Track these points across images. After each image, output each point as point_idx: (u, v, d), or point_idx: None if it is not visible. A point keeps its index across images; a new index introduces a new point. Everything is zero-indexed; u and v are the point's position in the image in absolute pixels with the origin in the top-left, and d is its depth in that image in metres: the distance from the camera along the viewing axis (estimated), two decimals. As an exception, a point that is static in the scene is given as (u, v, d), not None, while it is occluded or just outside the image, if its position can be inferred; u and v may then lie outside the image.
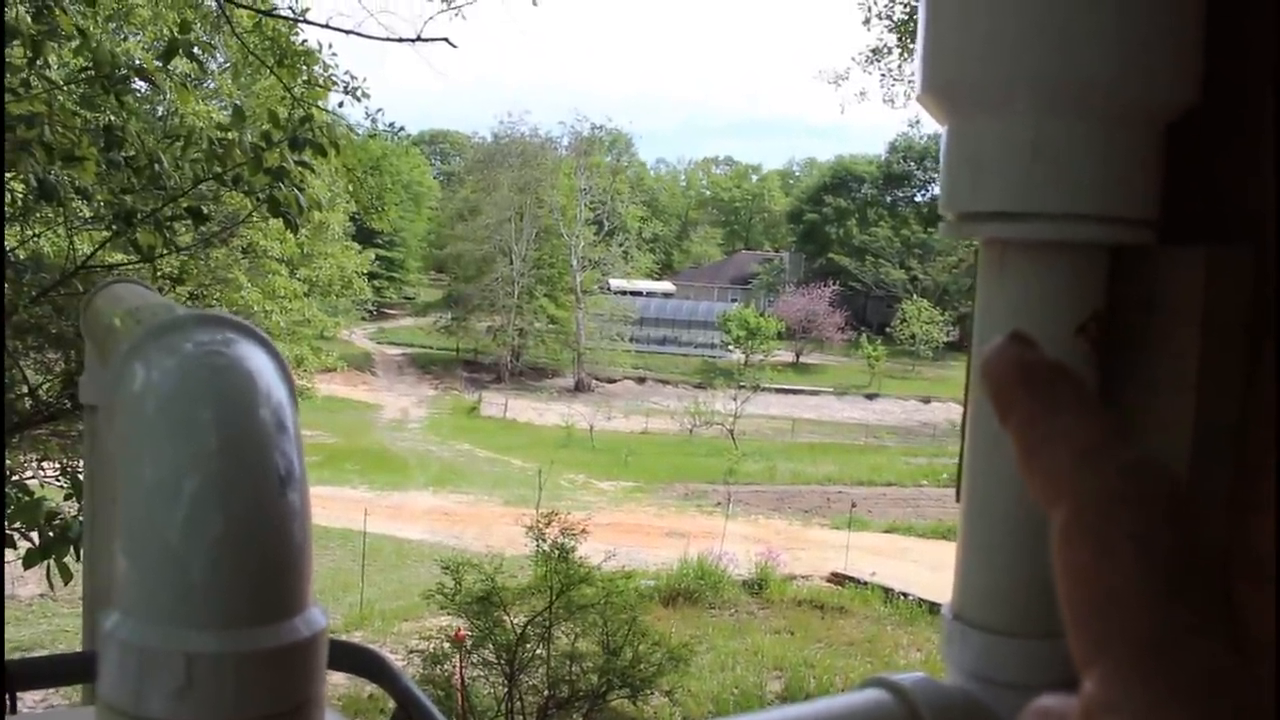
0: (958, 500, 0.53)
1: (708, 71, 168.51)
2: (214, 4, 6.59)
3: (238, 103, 5.29)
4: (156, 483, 0.43)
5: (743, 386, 33.23)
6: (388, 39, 5.79)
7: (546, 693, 8.48)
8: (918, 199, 54.47)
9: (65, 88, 4.20)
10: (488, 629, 8.42)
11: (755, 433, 30.56)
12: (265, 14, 6.56)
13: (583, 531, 9.16)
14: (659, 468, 24.26)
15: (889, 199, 55.25)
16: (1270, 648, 0.25)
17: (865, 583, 14.01)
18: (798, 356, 44.50)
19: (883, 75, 15.71)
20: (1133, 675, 0.24)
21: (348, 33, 5.79)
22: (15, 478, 4.58)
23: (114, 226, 4.08)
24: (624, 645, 8.50)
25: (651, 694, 8.77)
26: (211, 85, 15.35)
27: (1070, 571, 0.26)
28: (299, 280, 21.61)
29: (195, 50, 4.21)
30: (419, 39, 5.66)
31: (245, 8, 6.37)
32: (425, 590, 9.55)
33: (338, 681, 7.80)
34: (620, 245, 45.26)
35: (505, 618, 8.46)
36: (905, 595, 13.22)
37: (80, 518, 3.22)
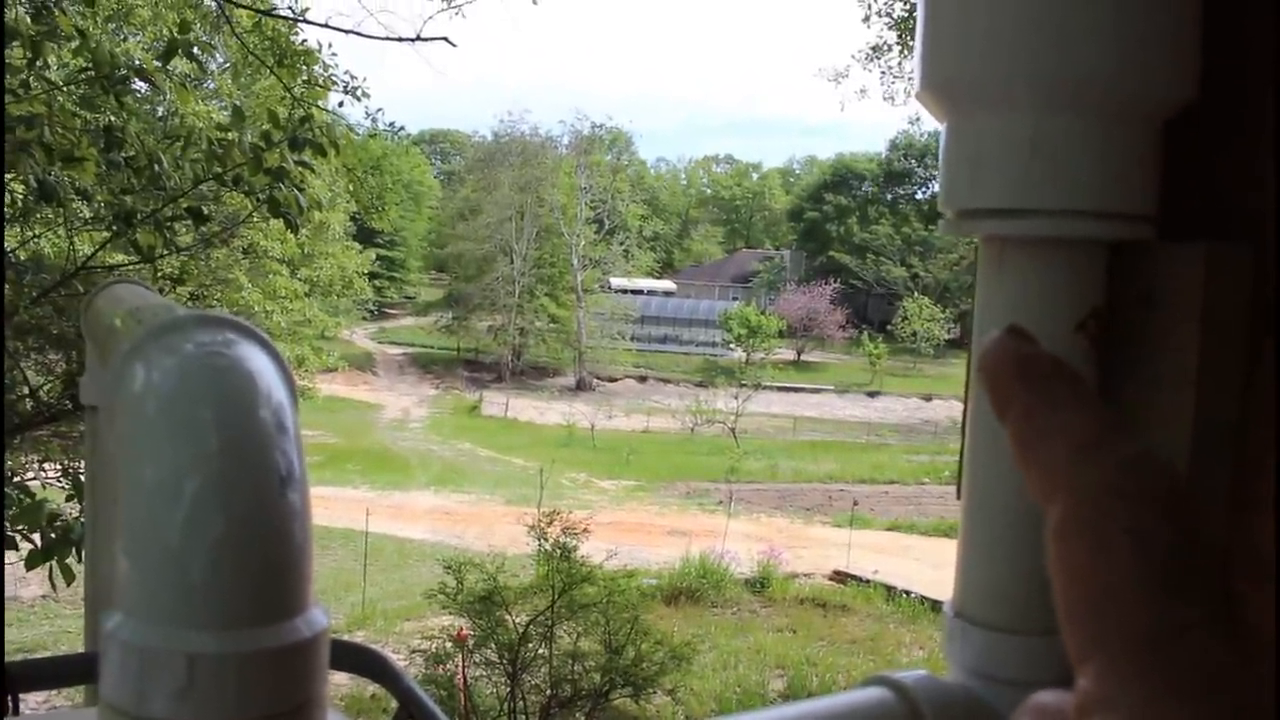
0: (958, 498, 0.53)
1: (708, 70, 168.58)
2: (213, 4, 6.59)
3: (237, 103, 5.29)
4: (157, 483, 0.43)
5: (744, 385, 33.26)
6: (387, 38, 5.80)
7: (549, 692, 8.48)
8: (918, 196, 54.48)
9: (65, 88, 4.20)
10: (490, 628, 8.42)
11: (757, 431, 30.57)
12: (265, 14, 6.57)
13: (584, 530, 9.17)
14: (661, 466, 24.26)
15: (889, 196, 55.26)
16: (1271, 646, 0.25)
17: (867, 581, 14.01)
18: (799, 354, 44.51)
19: (883, 73, 15.73)
20: (1128, 671, 0.24)
21: (347, 32, 5.80)
22: (16, 479, 4.58)
23: (114, 227, 4.08)
24: (626, 644, 8.51)
25: (654, 693, 8.77)
26: (211, 85, 15.36)
27: (1066, 567, 0.26)
28: (300, 280, 21.63)
29: (195, 50, 4.21)
30: (419, 38, 5.67)
31: (245, 7, 6.37)
32: (427, 590, 9.55)
33: (340, 681, 7.81)
34: (621, 244, 45.27)
35: (507, 617, 8.46)
36: (908, 593, 13.22)
37: (82, 519, 3.22)
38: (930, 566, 14.21)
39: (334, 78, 7.18)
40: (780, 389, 38.15)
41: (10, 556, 3.30)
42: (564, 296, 41.99)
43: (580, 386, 39.40)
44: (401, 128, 53.66)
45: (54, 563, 3.25)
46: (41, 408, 4.55)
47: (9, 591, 10.14)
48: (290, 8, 6.56)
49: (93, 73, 3.99)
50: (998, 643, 0.50)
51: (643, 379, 41.22)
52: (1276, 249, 0.48)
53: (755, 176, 72.59)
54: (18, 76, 3.82)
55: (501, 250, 41.09)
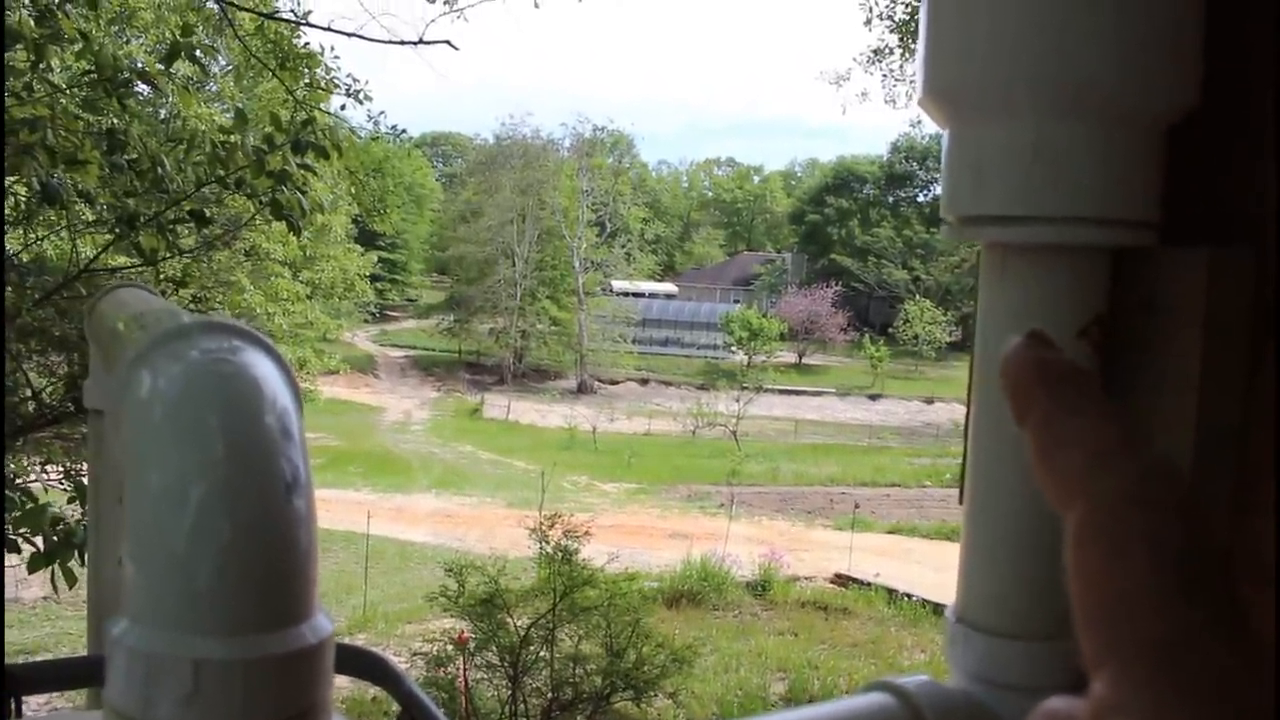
0: (960, 503, 0.53)
1: (709, 73, 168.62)
2: (216, 7, 6.60)
3: (240, 106, 5.30)
4: (163, 489, 0.43)
5: (745, 388, 33.26)
6: (390, 42, 5.80)
7: (550, 695, 8.48)
8: (920, 199, 54.47)
9: (68, 91, 4.21)
10: (491, 631, 8.41)
11: (758, 434, 30.56)
12: (267, 17, 6.58)
13: (586, 533, 9.16)
14: (662, 469, 24.26)
15: (891, 199, 55.25)
16: (1272, 650, 0.25)
17: (869, 584, 13.99)
18: (800, 357, 44.49)
19: (884, 76, 15.71)
20: (1142, 677, 0.24)
21: (350, 35, 5.80)
22: (19, 482, 4.58)
23: (117, 230, 4.09)
24: (627, 647, 8.50)
25: (655, 696, 8.76)
26: (214, 88, 15.39)
27: (1082, 573, 0.26)
28: (302, 283, 21.65)
29: (197, 53, 4.22)
30: (421, 41, 5.67)
31: (247, 10, 6.38)
32: (428, 593, 9.55)
33: (341, 684, 7.79)
34: (622, 247, 45.28)
35: (509, 620, 8.46)
36: (909, 596, 13.21)
37: (84, 522, 3.22)
38: (932, 569, 14.19)
39: (336, 80, 7.18)
40: (782, 392, 38.15)
41: (12, 559, 3.31)
42: (565, 299, 41.99)
43: (582, 389, 39.40)
44: (403, 130, 53.67)
45: (56, 566, 3.25)
46: (44, 410, 4.55)
47: (10, 594, 10.15)
48: (293, 11, 6.58)
49: (95, 75, 4.00)
50: (1000, 648, 0.50)
51: (644, 382, 41.21)
52: (1278, 252, 0.48)
53: (757, 179, 72.60)
54: (21, 79, 3.83)
55: (503, 253, 41.10)
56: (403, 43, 5.73)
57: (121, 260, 5.02)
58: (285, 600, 0.44)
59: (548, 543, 9.01)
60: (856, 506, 18.13)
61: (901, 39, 14.66)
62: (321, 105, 6.74)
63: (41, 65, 3.79)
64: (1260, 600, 0.46)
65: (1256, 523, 0.48)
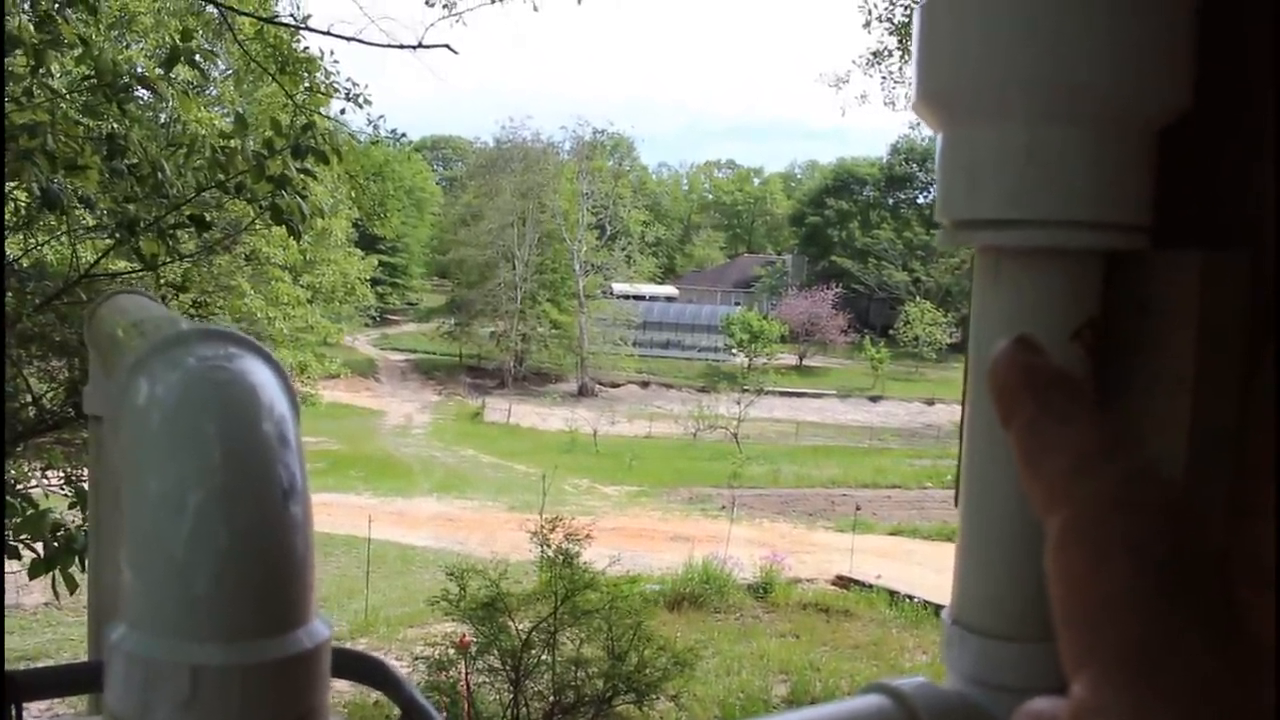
0: (956, 505, 0.53)
1: (709, 75, 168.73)
2: (216, 11, 6.61)
3: (240, 110, 5.30)
4: (161, 496, 0.43)
5: (746, 390, 33.26)
6: (389, 46, 5.81)
7: (552, 699, 8.47)
8: (920, 201, 54.48)
9: (68, 96, 4.21)
10: (493, 635, 8.41)
11: (759, 436, 30.56)
12: (267, 21, 6.59)
13: (587, 536, 9.16)
14: (663, 472, 24.26)
15: (891, 201, 55.27)
16: (1271, 653, 0.25)
17: (870, 585, 13.98)
18: (801, 359, 44.50)
19: (883, 78, 15.71)
20: (1121, 679, 0.24)
21: (349, 40, 5.81)
22: (20, 488, 4.58)
23: (117, 235, 4.09)
24: (629, 650, 8.50)
25: (657, 699, 8.75)
26: (214, 93, 15.41)
27: (1064, 577, 0.26)
28: (302, 287, 21.65)
29: (197, 58, 4.22)
30: (420, 46, 5.69)
31: (247, 15, 6.39)
32: (430, 596, 9.55)
33: (342, 689, 7.80)
34: (623, 249, 45.29)
35: (510, 624, 8.45)
36: (910, 598, 13.20)
37: (84, 528, 3.22)
38: (933, 571, 14.18)
39: (336, 85, 7.19)
40: (782, 394, 38.15)
41: (13, 565, 3.31)
42: (566, 302, 42.00)
43: (582, 392, 39.39)
44: (403, 134, 53.83)
45: (57, 572, 3.25)
46: (44, 415, 4.55)
47: (11, 600, 10.15)
48: (292, 15, 6.59)
49: (95, 80, 4.00)
50: (995, 649, 0.50)
51: (645, 384, 41.21)
52: (1273, 255, 0.48)
53: (757, 181, 72.65)
54: (21, 84, 3.83)
55: (503, 256, 41.12)
56: (402, 47, 5.74)
57: (122, 265, 5.02)
58: (282, 606, 0.44)
59: (549, 546, 9.01)
60: (858, 508, 18.12)
61: (900, 41, 14.66)
62: (321, 110, 6.74)
63: (41, 70, 3.79)
64: (1260, 604, 0.46)
65: (1256, 526, 0.48)
